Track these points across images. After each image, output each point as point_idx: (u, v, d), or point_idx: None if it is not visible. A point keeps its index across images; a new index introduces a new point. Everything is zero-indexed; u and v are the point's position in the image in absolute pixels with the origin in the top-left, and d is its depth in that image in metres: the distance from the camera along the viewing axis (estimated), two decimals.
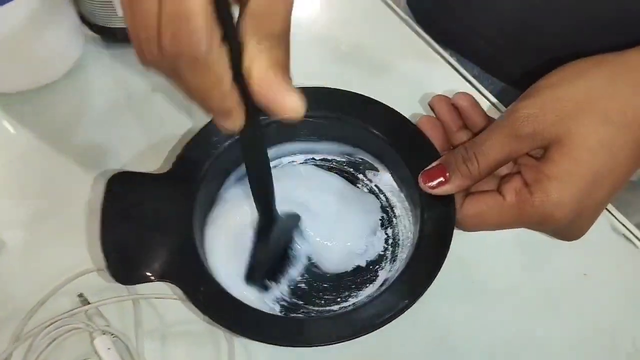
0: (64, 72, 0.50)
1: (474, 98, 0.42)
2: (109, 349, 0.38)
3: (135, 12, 0.24)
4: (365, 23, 0.55)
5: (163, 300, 0.41)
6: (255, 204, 0.38)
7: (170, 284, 0.37)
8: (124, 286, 0.40)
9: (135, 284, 0.37)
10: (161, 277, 0.36)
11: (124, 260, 0.36)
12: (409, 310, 0.34)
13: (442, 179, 0.36)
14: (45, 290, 0.40)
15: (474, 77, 0.52)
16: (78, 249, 0.43)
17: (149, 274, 0.36)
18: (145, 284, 0.36)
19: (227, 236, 0.40)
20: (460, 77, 0.52)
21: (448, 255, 0.36)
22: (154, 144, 0.48)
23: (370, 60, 0.54)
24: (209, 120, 0.40)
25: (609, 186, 0.35)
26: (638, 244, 0.45)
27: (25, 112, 0.50)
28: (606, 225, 0.45)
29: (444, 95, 0.43)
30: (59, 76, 0.50)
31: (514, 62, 0.54)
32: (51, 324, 0.39)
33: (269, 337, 0.35)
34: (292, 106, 0.26)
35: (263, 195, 0.37)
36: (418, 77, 0.52)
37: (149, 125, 0.49)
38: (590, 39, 0.43)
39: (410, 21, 0.56)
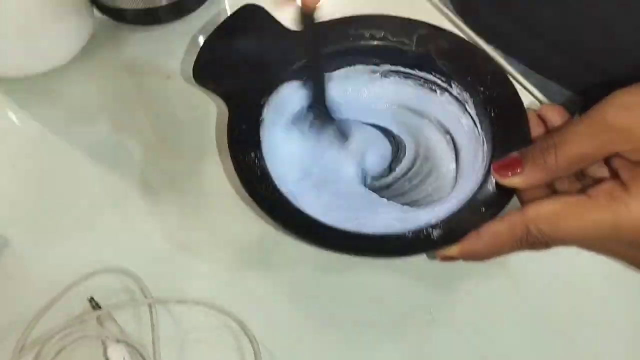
0: (72, 55, 0.46)
1: (565, 111, 0.36)
2: (123, 358, 0.35)
3: None
4: (400, 13, 0.51)
5: (181, 305, 0.37)
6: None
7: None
8: (139, 290, 0.38)
9: (201, 84, 0.41)
10: (223, 94, 0.39)
11: (208, 64, 0.40)
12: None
13: (515, 169, 0.32)
14: (52, 293, 0.37)
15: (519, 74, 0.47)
16: (87, 248, 0.40)
17: (217, 85, 0.40)
18: (166, 289, 0.36)
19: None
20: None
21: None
22: (168, 137, 0.45)
23: None
24: None
25: None
26: None
27: (30, 100, 0.46)
28: None
29: (529, 109, 0.38)
30: (67, 60, 0.46)
31: (565, 60, 0.49)
32: (59, 331, 0.35)
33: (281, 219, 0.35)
34: None
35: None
36: None
37: (163, 116, 0.46)
38: None
39: (449, 13, 0.52)
